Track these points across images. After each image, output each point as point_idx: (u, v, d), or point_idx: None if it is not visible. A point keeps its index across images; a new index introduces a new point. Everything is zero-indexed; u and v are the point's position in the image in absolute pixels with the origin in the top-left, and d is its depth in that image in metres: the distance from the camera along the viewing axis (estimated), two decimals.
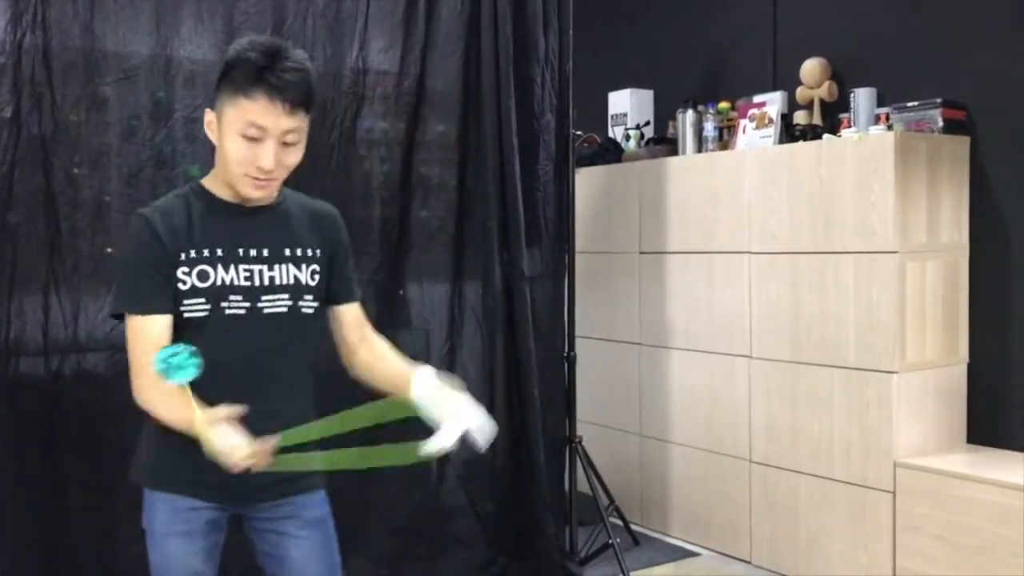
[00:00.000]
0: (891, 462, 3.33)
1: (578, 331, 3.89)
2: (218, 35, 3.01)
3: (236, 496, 1.90)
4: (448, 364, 3.57)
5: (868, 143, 3.41)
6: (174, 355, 1.71)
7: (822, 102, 3.94)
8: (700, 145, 4.19)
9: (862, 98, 3.67)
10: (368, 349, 2.02)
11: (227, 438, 1.69)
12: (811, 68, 3.95)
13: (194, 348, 1.73)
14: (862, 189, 3.40)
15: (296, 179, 3.09)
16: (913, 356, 3.37)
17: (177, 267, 1.82)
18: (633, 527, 4.19)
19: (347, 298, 2.02)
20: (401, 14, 3.35)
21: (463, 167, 3.59)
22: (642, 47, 4.90)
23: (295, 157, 1.87)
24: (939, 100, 3.45)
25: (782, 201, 3.68)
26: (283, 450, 1.75)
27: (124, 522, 2.84)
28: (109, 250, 2.87)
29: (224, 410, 1.72)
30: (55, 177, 2.77)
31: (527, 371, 3.60)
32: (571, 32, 3.75)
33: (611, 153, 4.60)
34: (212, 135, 1.86)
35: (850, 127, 3.68)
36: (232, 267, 1.85)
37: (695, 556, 4.00)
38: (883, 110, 3.63)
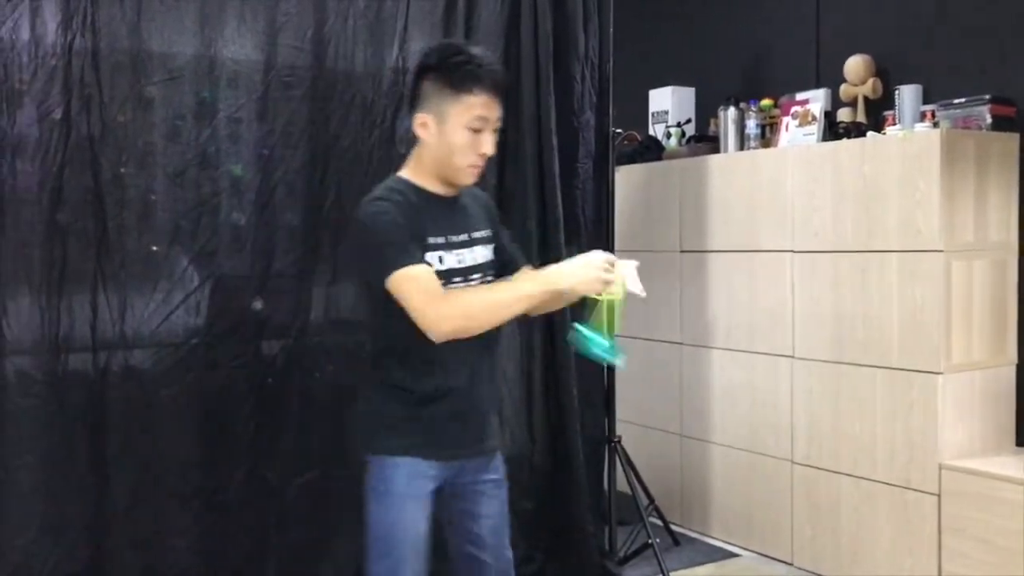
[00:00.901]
0: (936, 464, 3.28)
1: (617, 330, 3.87)
2: (260, 36, 3.05)
3: (466, 454, 2.17)
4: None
5: (913, 141, 3.36)
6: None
7: (866, 99, 3.89)
8: (742, 143, 4.15)
9: (907, 95, 3.62)
10: None
11: (583, 260, 2.06)
12: (855, 65, 3.90)
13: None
14: (907, 187, 3.35)
15: (337, 179, 3.14)
16: (959, 357, 3.31)
17: (425, 251, 2.06)
18: (673, 527, 4.17)
19: (520, 265, 2.30)
20: (441, 14, 3.37)
21: (502, 165, 3.59)
22: (683, 44, 4.87)
23: (495, 144, 2.16)
24: (987, 96, 3.38)
25: (825, 199, 3.64)
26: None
27: (168, 517, 2.91)
28: (155, 248, 2.92)
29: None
30: (103, 177, 2.82)
31: (565, 371, 3.60)
32: (611, 29, 3.73)
33: (651, 151, 4.57)
34: (425, 134, 2.10)
35: (895, 125, 3.63)
36: (451, 251, 2.12)
37: (736, 557, 3.97)
38: (929, 107, 3.57)
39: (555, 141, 3.59)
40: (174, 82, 2.92)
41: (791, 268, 3.79)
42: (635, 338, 4.47)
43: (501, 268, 2.28)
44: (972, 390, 3.36)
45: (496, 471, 2.26)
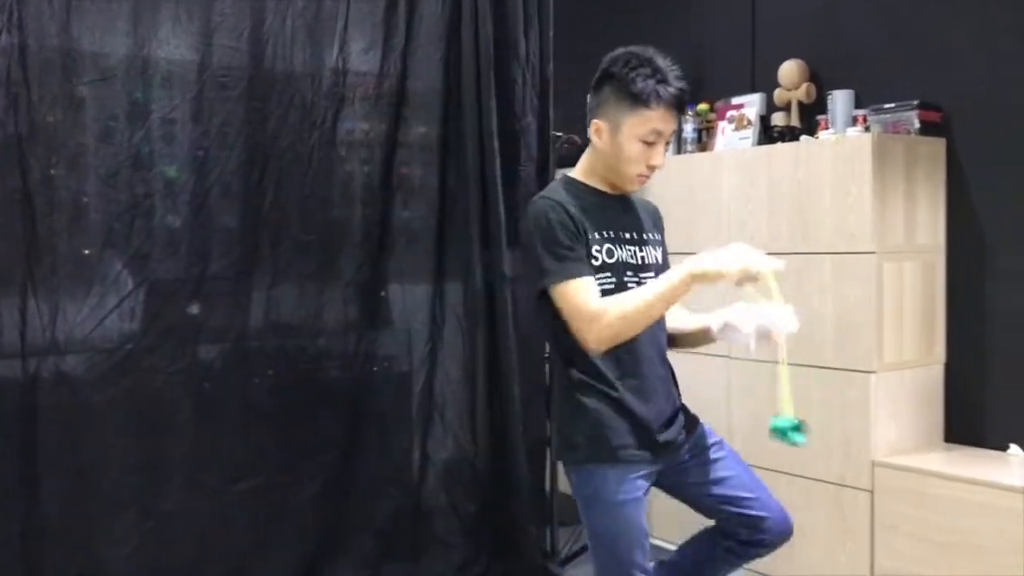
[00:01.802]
0: (869, 461, 3.35)
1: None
2: (195, 36, 3.02)
3: (672, 448, 2.24)
4: (429, 364, 3.58)
5: (845, 145, 3.43)
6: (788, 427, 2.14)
7: (800, 104, 3.96)
8: (679, 146, 4.21)
9: (839, 100, 3.70)
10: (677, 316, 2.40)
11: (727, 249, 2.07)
12: (789, 70, 3.97)
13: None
14: (840, 190, 3.43)
15: (276, 180, 3.11)
16: (891, 356, 3.39)
17: (591, 245, 2.11)
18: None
19: None
20: (381, 15, 3.36)
21: (444, 168, 3.60)
22: (619, 46, 4.90)
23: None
24: (915, 102, 3.47)
25: (760, 202, 3.70)
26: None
27: (102, 523, 2.85)
28: (87, 251, 2.86)
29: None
30: (32, 177, 2.76)
31: (508, 372, 3.61)
32: (551, 33, 3.76)
33: None
34: (598, 140, 2.17)
35: (828, 129, 3.71)
36: (622, 247, 2.18)
37: None
38: (860, 112, 3.66)
39: (496, 144, 3.60)
40: (106, 82, 2.87)
41: None
42: None
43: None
44: (903, 389, 3.45)
45: (708, 436, 2.37)
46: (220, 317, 3.03)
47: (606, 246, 2.14)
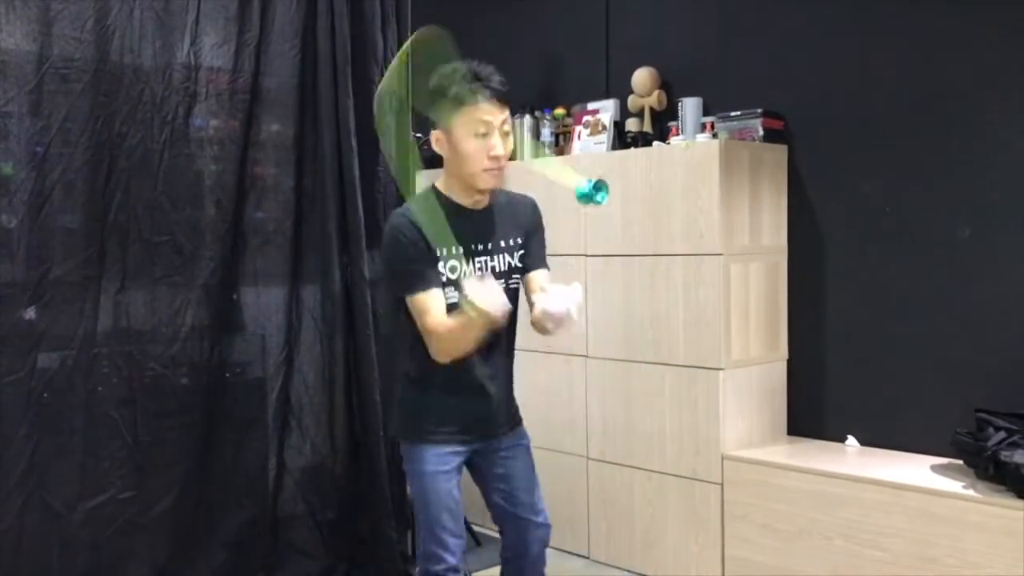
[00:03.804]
0: (719, 455, 3.49)
1: None
2: (32, 24, 2.84)
3: (487, 435, 2.47)
4: (286, 370, 3.49)
5: (695, 150, 3.56)
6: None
7: (652, 110, 4.08)
8: (537, 149, 4.26)
9: (689, 107, 3.83)
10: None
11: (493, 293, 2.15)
12: (641, 77, 4.09)
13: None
14: (689, 194, 3.55)
15: (125, 178, 2.96)
16: (738, 353, 3.55)
17: (437, 262, 2.29)
18: (475, 528, 4.20)
19: (537, 266, 2.50)
20: (235, 9, 3.25)
21: (300, 168, 3.52)
22: (480, 52, 4.89)
23: (510, 145, 2.34)
24: (759, 110, 3.64)
25: (615, 205, 3.79)
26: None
27: None
28: None
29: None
30: None
31: (367, 375, 3.56)
32: (409, 33, 3.73)
33: None
34: (442, 149, 2.34)
35: (678, 135, 3.83)
36: (470, 259, 2.34)
37: None
38: (709, 119, 3.80)
39: (354, 143, 3.54)
40: None
41: (585, 271, 3.92)
42: None
43: (524, 267, 2.48)
44: (749, 384, 3.61)
45: (523, 437, 2.59)
46: (63, 323, 2.85)
47: (451, 262, 2.31)
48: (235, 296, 3.38)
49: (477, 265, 2.36)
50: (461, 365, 2.33)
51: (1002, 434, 2.98)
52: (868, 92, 3.52)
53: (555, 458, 4.06)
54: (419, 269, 2.28)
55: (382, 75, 3.65)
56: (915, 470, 3.18)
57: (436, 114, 2.33)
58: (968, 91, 3.28)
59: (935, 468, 3.20)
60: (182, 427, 3.18)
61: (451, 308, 2.28)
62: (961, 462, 3.13)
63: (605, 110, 4.08)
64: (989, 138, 3.25)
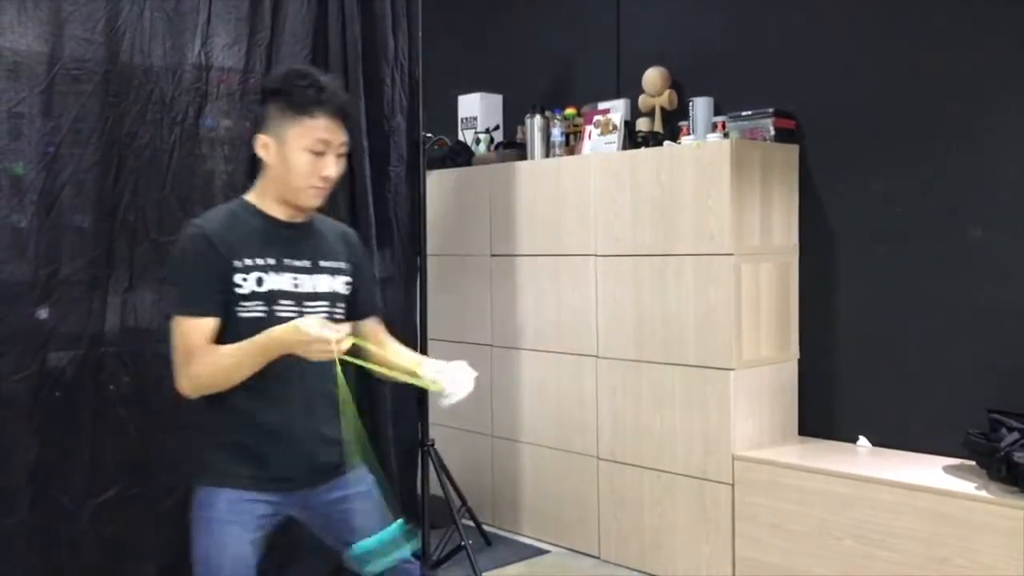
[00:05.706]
0: (729, 455, 3.48)
1: (430, 333, 3.88)
2: (44, 26, 2.85)
3: (300, 484, 2.17)
4: None
5: (706, 150, 3.55)
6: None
7: (663, 110, 4.08)
8: (548, 150, 4.26)
9: (700, 107, 3.83)
10: (385, 349, 2.29)
11: (316, 323, 1.96)
12: (652, 77, 4.08)
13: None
14: (700, 194, 3.54)
15: (134, 179, 2.98)
16: (748, 353, 3.53)
17: (234, 273, 2.06)
18: (485, 527, 4.21)
19: (370, 313, 2.34)
20: (246, 9, 3.25)
21: None
22: (491, 52, 4.94)
23: (342, 168, 2.18)
24: (771, 110, 3.63)
25: (625, 205, 3.79)
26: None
27: None
28: None
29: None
30: None
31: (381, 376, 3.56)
32: (420, 34, 3.74)
33: (461, 156, 4.62)
34: (267, 156, 2.12)
35: (689, 135, 3.83)
36: (283, 274, 2.12)
37: (545, 554, 4.06)
38: (720, 118, 3.79)
39: (366, 144, 3.55)
40: None
41: (594, 271, 3.92)
42: (446, 341, 4.49)
43: (351, 307, 2.27)
44: (760, 384, 3.59)
45: (359, 484, 2.27)
46: (72, 322, 2.86)
47: (256, 274, 2.09)
48: None
49: (293, 281, 2.13)
50: (277, 398, 2.09)
51: (1015, 435, 2.96)
52: (880, 92, 3.50)
53: (565, 457, 4.06)
54: (203, 288, 2.05)
55: (392, 76, 3.66)
56: (927, 471, 3.15)
57: (270, 115, 2.11)
58: (981, 91, 3.25)
59: (947, 469, 3.18)
60: (189, 424, 3.19)
61: (246, 324, 2.05)
62: (973, 463, 3.10)
63: (616, 110, 4.08)
64: (1001, 138, 3.22)
